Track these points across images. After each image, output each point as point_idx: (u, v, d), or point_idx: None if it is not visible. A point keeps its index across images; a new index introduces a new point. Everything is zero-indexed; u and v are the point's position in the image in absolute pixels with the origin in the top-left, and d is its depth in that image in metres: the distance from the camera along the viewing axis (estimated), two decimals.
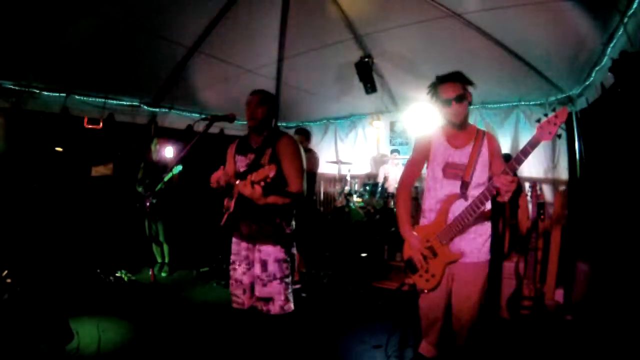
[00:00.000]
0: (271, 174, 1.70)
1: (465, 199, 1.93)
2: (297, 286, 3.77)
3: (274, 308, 2.07)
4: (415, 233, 2.07)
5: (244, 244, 2.16)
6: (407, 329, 2.76)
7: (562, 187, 4.35)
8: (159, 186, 4.19)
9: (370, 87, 4.58)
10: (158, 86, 4.64)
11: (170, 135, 4.68)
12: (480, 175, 1.96)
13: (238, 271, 2.18)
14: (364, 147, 6.32)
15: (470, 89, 1.96)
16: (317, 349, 2.72)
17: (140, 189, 4.27)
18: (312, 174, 4.26)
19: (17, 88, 3.69)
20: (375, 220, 4.72)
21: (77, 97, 4.18)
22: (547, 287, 3.00)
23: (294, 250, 2.22)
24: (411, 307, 2.25)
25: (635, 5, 2.27)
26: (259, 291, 2.09)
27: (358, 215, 4.82)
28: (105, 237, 4.52)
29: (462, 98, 1.92)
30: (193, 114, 5.41)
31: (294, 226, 2.23)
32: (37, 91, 3.85)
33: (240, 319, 2.25)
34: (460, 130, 2.02)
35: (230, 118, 2.14)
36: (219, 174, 2.09)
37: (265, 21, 4.02)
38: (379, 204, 4.88)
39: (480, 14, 3.31)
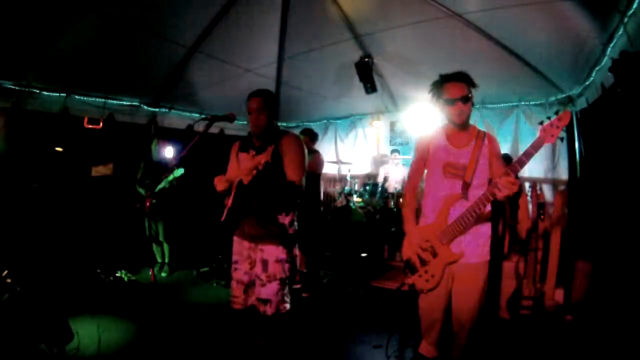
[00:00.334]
0: (263, 161, 1.77)
1: (466, 199, 1.93)
2: (298, 286, 3.77)
3: (270, 309, 2.07)
4: (416, 231, 2.08)
5: (246, 244, 2.16)
6: (407, 329, 2.76)
7: (562, 187, 4.35)
8: (159, 186, 4.19)
9: (370, 87, 4.58)
10: (158, 86, 4.64)
11: (170, 135, 4.68)
12: (480, 175, 1.96)
13: (240, 271, 2.17)
14: (364, 147, 6.32)
15: (472, 90, 1.97)
16: (317, 349, 2.72)
17: (140, 190, 4.27)
18: (316, 175, 4.23)
19: (17, 88, 3.69)
20: (375, 220, 4.72)
21: (77, 97, 4.17)
22: (547, 287, 3.00)
23: (297, 251, 2.22)
24: (411, 307, 2.25)
25: (635, 5, 2.27)
26: (257, 291, 2.10)
27: (358, 215, 4.83)
28: (105, 237, 4.52)
29: (468, 99, 1.93)
30: (193, 114, 5.41)
31: (296, 227, 2.23)
32: (37, 91, 3.84)
33: (239, 320, 2.25)
34: (462, 130, 2.02)
35: (230, 118, 2.14)
36: (221, 178, 2.10)
37: (265, 21, 4.02)
38: (379, 204, 4.88)
39: (480, 14, 3.31)
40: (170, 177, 4.18)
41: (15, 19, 2.94)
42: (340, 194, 5.47)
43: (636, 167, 2.84)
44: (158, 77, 4.47)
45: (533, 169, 4.47)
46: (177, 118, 5.30)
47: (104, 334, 2.76)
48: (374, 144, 6.24)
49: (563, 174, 4.40)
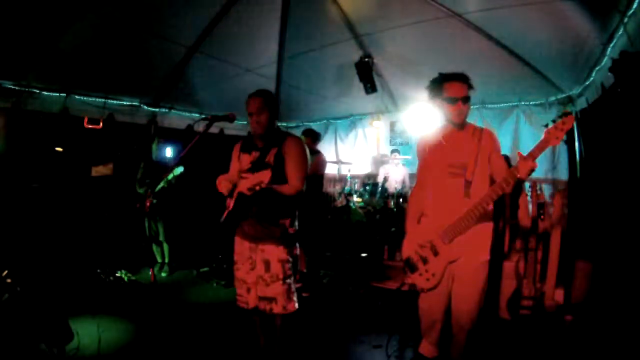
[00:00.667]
0: (265, 180, 1.79)
1: (468, 197, 1.93)
2: (298, 285, 3.77)
3: (277, 307, 2.08)
4: (418, 230, 2.09)
5: (246, 244, 2.16)
6: (407, 329, 2.76)
7: (562, 187, 4.35)
8: (159, 186, 4.19)
9: (370, 87, 4.58)
10: (158, 86, 4.64)
11: (170, 135, 4.68)
12: (481, 173, 1.96)
13: (241, 271, 2.18)
14: (364, 147, 6.33)
15: (470, 92, 1.99)
16: (317, 349, 2.72)
17: (140, 190, 4.27)
18: (318, 176, 4.22)
19: (17, 88, 3.69)
20: (375, 220, 4.72)
21: (77, 97, 4.17)
22: (547, 287, 3.00)
23: (297, 251, 2.22)
24: (411, 307, 2.25)
25: (635, 5, 2.27)
26: (261, 291, 2.10)
27: (358, 215, 4.83)
28: (105, 237, 4.52)
29: (468, 99, 1.96)
30: (193, 114, 5.41)
31: (297, 227, 2.23)
32: (37, 91, 3.84)
33: (243, 318, 2.25)
34: (459, 129, 2.04)
35: (230, 118, 2.13)
36: (224, 178, 2.13)
37: (265, 21, 4.02)
38: (379, 204, 4.88)
39: (480, 14, 3.31)
40: (170, 176, 4.18)
41: (16, 19, 2.94)
42: (340, 194, 5.47)
43: (636, 167, 2.84)
44: (158, 77, 4.48)
45: None
46: (177, 118, 5.30)
47: (104, 334, 2.76)
48: (374, 144, 6.24)
49: (563, 174, 4.39)
